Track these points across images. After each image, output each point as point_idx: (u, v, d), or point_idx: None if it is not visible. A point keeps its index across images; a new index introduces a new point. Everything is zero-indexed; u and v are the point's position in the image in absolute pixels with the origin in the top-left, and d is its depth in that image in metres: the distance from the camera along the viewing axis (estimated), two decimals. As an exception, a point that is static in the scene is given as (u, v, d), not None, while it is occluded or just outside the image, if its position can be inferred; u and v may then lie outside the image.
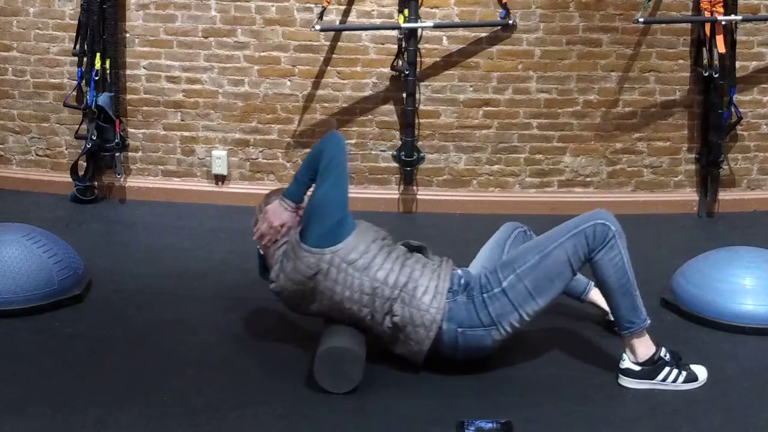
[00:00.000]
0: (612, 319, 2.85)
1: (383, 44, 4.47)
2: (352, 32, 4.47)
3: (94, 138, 4.46)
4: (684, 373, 2.53)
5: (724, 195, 4.59)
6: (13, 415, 2.36)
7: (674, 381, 2.52)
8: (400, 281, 2.55)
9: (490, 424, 2.29)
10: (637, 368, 2.53)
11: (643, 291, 2.98)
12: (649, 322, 2.55)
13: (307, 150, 4.60)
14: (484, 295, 2.53)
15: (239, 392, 2.53)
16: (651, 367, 2.52)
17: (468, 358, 2.60)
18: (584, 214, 2.59)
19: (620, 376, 2.56)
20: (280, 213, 2.67)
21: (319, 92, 4.56)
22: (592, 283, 2.90)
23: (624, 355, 2.57)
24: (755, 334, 2.94)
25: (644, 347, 2.53)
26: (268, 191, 2.90)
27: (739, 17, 4.25)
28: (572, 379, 2.63)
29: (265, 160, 4.65)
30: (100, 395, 2.49)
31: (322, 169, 2.58)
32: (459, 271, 2.65)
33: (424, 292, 2.54)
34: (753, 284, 3.02)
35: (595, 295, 2.91)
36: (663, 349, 2.55)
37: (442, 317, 2.52)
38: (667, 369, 2.52)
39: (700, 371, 2.56)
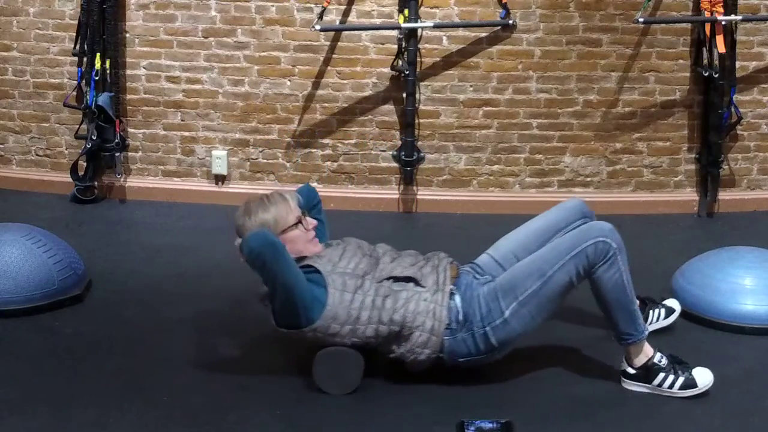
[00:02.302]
0: None
1: (383, 44, 4.47)
2: (352, 32, 4.47)
3: (94, 138, 4.45)
4: (681, 379, 2.49)
5: (724, 195, 4.58)
6: (13, 415, 2.36)
7: (670, 387, 2.50)
8: (392, 331, 2.48)
9: (490, 424, 2.29)
10: (632, 371, 2.54)
11: (644, 291, 2.99)
12: (647, 333, 2.53)
13: (307, 150, 4.60)
14: (487, 328, 2.48)
15: (239, 392, 2.53)
16: (644, 372, 2.51)
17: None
18: (584, 227, 2.54)
19: (621, 377, 2.57)
20: (239, 255, 2.52)
21: (319, 92, 4.55)
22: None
23: (623, 358, 2.57)
24: (755, 334, 2.94)
25: (641, 355, 2.52)
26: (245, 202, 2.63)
27: (739, 17, 4.25)
28: (573, 379, 2.63)
29: (265, 160, 4.65)
30: (100, 395, 2.49)
31: (264, 276, 2.44)
32: (457, 300, 2.52)
33: (419, 335, 2.48)
34: (753, 284, 3.02)
35: None
36: (659, 355, 2.52)
37: (442, 353, 2.51)
38: (661, 375, 2.50)
39: (702, 378, 2.50)
